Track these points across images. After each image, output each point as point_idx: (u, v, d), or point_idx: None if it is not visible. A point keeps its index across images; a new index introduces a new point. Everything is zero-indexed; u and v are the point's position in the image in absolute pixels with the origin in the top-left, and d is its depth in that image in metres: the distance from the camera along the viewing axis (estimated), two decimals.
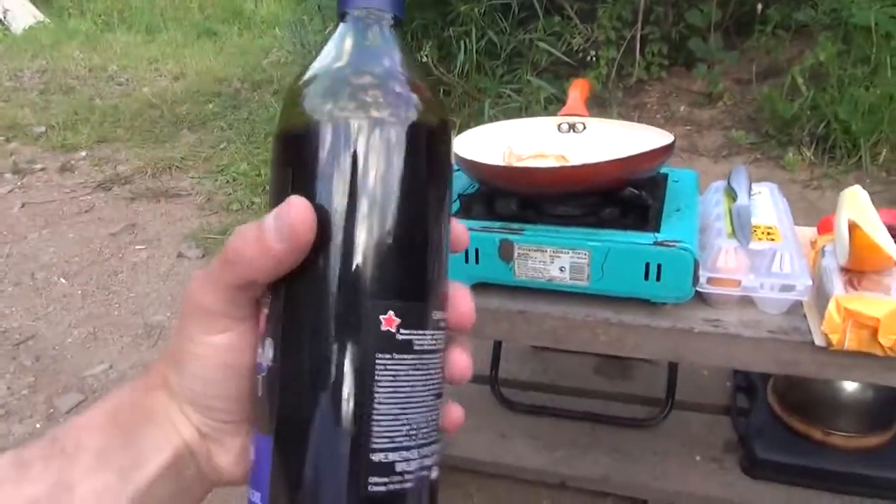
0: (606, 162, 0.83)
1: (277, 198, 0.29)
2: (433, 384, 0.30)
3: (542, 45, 3.18)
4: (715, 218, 0.92)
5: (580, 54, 3.32)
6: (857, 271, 0.79)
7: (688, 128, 3.13)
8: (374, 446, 0.28)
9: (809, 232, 1.05)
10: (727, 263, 0.83)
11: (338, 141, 0.28)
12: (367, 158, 0.28)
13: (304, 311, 0.28)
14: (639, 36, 3.31)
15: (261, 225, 0.28)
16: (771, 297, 0.83)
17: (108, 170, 3.34)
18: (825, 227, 0.95)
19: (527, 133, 1.06)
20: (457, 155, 0.90)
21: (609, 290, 0.85)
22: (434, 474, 0.30)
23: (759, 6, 3.16)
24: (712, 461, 1.22)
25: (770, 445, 1.23)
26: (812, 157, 2.68)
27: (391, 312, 0.28)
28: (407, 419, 0.28)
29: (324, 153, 0.28)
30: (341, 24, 0.31)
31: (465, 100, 3.30)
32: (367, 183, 0.28)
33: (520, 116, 3.09)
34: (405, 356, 0.28)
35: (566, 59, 3.22)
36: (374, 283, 0.28)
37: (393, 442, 0.28)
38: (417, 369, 0.29)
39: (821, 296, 0.81)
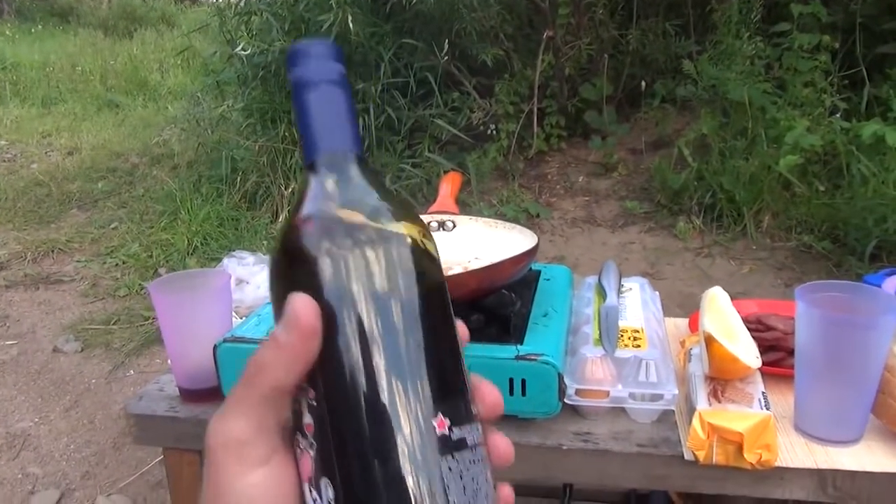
0: (465, 273, 0.79)
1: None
2: (489, 473, 0.31)
3: (438, 121, 3.22)
4: (584, 321, 0.89)
5: (481, 127, 3.38)
6: (721, 379, 0.77)
7: (586, 198, 3.21)
8: None
9: (684, 325, 1.04)
10: (594, 374, 0.80)
11: (348, 271, 0.30)
12: (379, 282, 0.30)
13: (357, 442, 0.29)
14: (535, 109, 3.41)
15: (272, 333, 0.30)
16: (640, 407, 0.79)
17: None
18: (695, 324, 0.94)
19: None
20: None
21: None
22: None
23: (643, 82, 3.32)
24: None
25: None
26: (702, 226, 2.79)
27: (440, 415, 0.30)
28: None
29: (335, 282, 0.30)
30: (313, 173, 0.33)
31: None
32: (388, 304, 0.30)
33: (421, 191, 3.10)
34: (462, 452, 0.30)
35: (463, 135, 3.27)
36: (418, 393, 0.29)
37: None
38: (475, 463, 0.30)
39: (689, 404, 0.79)
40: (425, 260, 0.32)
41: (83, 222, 3.46)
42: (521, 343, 0.79)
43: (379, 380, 0.29)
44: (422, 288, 0.31)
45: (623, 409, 0.82)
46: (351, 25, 2.86)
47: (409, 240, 0.32)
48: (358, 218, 0.31)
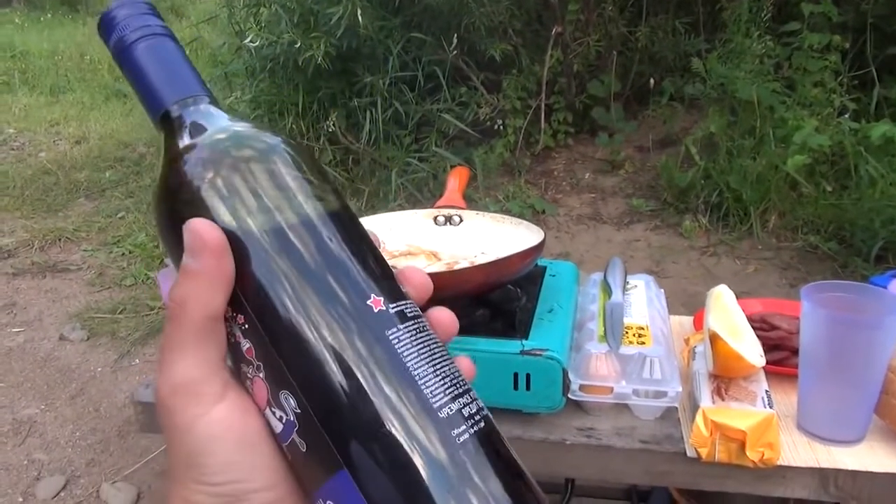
0: (471, 267, 0.79)
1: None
2: (438, 341, 0.31)
3: (446, 116, 3.22)
4: (589, 317, 0.90)
5: (488, 123, 3.38)
6: (725, 377, 0.77)
7: (592, 195, 3.21)
8: (437, 405, 0.29)
9: (688, 323, 1.04)
10: (598, 370, 0.80)
11: (239, 186, 0.30)
12: (273, 188, 0.31)
13: (302, 345, 0.29)
14: (543, 105, 3.40)
15: (182, 267, 0.29)
16: (644, 404, 0.80)
17: None
18: (699, 322, 0.94)
19: (403, 226, 1.02)
20: None
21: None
22: (489, 412, 0.31)
23: (652, 80, 3.31)
24: None
25: None
26: (708, 225, 2.78)
27: (373, 295, 0.30)
28: (442, 371, 0.30)
29: (230, 199, 0.30)
30: (171, 121, 0.33)
31: (374, 168, 3.28)
32: (294, 213, 0.30)
33: (427, 185, 3.10)
34: (406, 323, 0.30)
35: (470, 130, 3.26)
36: (345, 278, 0.30)
37: (446, 394, 0.29)
38: (420, 331, 0.31)
39: (692, 402, 0.79)
40: (304, 157, 0.33)
41: (90, 211, 3.48)
42: (526, 338, 0.80)
43: (305, 277, 0.30)
44: (314, 184, 0.32)
45: (626, 406, 0.83)
46: (360, 18, 2.86)
47: (287, 147, 0.33)
48: (232, 138, 0.32)
